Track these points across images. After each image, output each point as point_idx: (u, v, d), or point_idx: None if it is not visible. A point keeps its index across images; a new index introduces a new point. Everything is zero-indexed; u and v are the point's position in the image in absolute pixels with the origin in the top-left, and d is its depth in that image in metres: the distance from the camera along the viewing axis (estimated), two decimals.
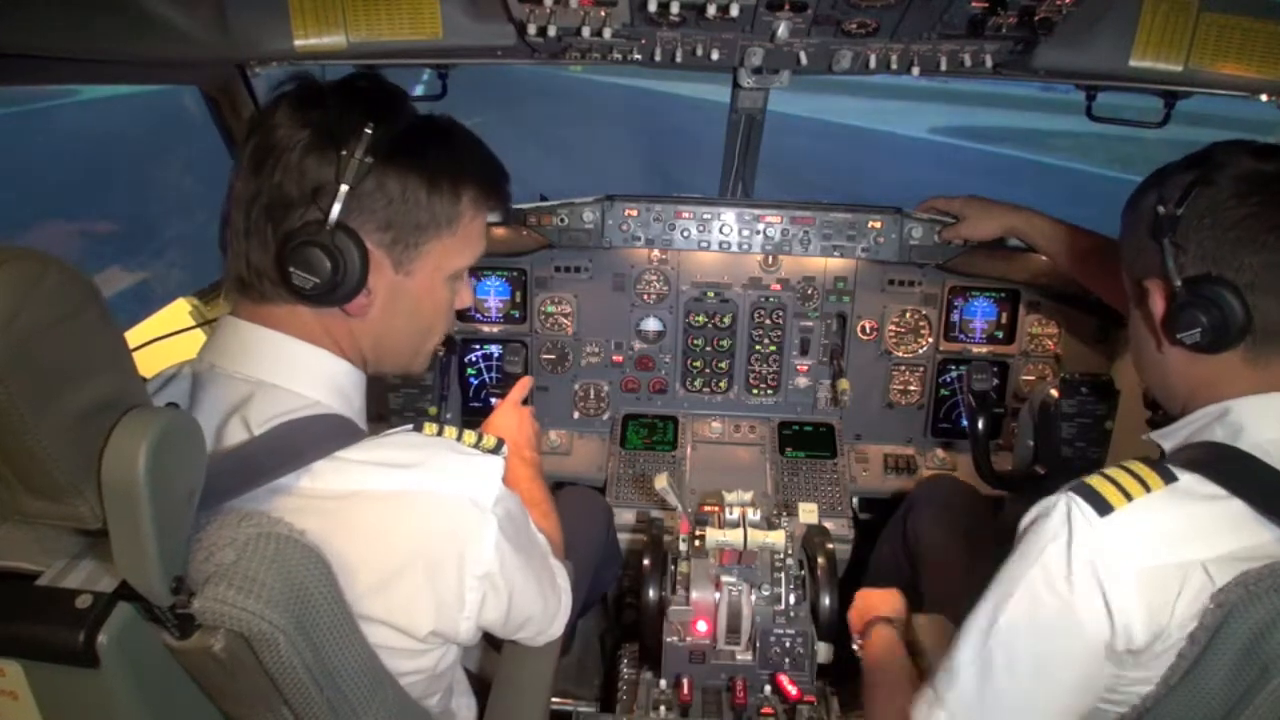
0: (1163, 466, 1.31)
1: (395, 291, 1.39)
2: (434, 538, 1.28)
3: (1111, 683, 1.35)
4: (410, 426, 1.36)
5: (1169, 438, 1.49)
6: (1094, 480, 1.31)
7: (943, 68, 2.18)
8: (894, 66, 2.20)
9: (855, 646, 2.07)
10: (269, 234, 1.30)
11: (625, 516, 2.97)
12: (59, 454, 0.91)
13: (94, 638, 0.98)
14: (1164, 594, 1.25)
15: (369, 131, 1.27)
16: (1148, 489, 1.28)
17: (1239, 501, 1.26)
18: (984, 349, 3.20)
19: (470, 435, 1.38)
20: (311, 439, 1.25)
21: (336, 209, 1.26)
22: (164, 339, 2.12)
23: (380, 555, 1.25)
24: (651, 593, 2.15)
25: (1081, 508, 1.29)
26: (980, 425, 2.60)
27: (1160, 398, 1.59)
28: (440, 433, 1.37)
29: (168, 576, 0.98)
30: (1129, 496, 1.28)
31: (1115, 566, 1.26)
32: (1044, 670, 1.34)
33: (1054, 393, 2.42)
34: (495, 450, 1.37)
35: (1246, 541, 1.25)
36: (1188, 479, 1.30)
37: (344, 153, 1.26)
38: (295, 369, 1.33)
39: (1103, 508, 1.28)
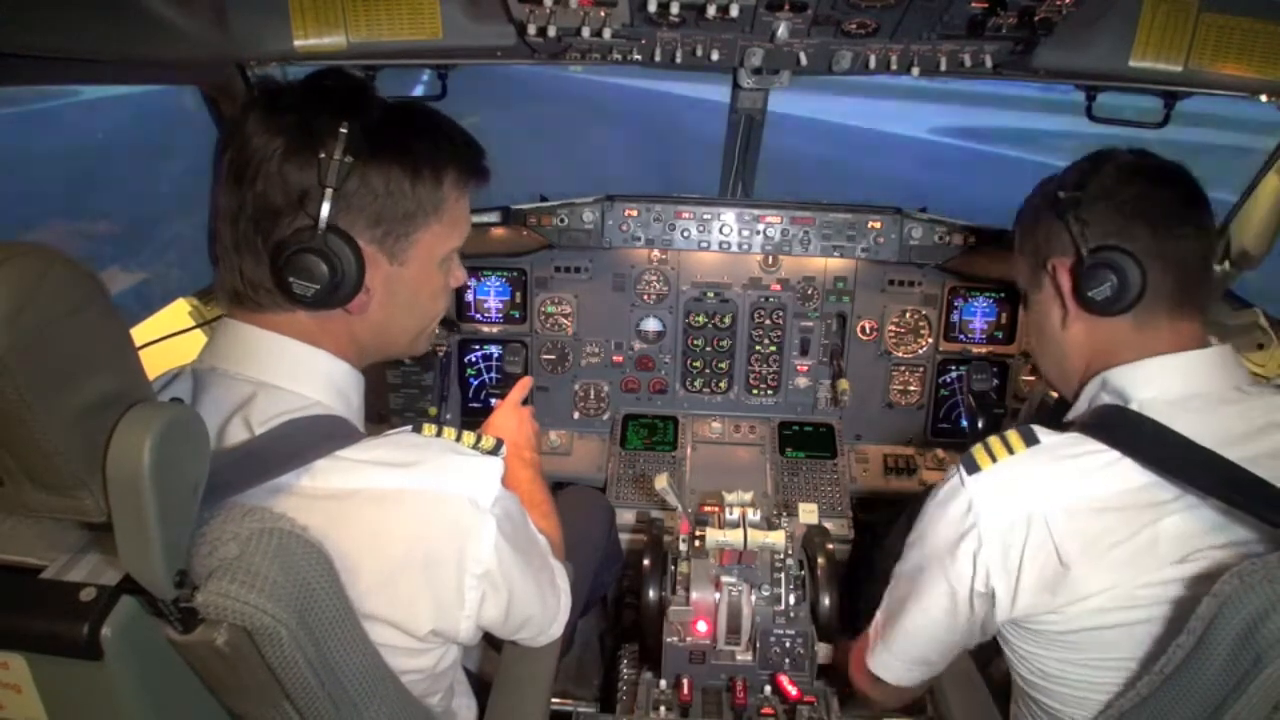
0: (1028, 431, 1.50)
1: (392, 284, 1.39)
2: (433, 537, 1.28)
3: (1017, 650, 1.56)
4: (409, 427, 1.37)
5: (1074, 413, 1.65)
6: (975, 447, 1.52)
7: (942, 68, 2.19)
8: (894, 67, 2.21)
9: None
10: (260, 245, 1.29)
11: (625, 516, 2.97)
12: (64, 448, 0.92)
13: (98, 631, 0.98)
14: (1012, 542, 1.44)
15: (344, 131, 1.25)
16: (1011, 452, 1.48)
17: (1113, 451, 1.42)
18: (984, 349, 3.20)
19: (469, 436, 1.39)
20: (312, 438, 1.25)
21: (325, 212, 1.25)
22: (164, 340, 2.12)
23: (380, 553, 1.25)
24: (651, 593, 2.15)
25: (961, 470, 1.50)
26: (980, 425, 2.60)
27: (1058, 381, 1.77)
28: (439, 433, 1.38)
29: (171, 570, 0.98)
30: (994, 459, 1.48)
31: (978, 518, 1.46)
32: (921, 600, 1.58)
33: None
34: (494, 451, 1.38)
35: (1115, 487, 1.41)
36: (1054, 440, 1.49)
37: (323, 155, 1.25)
38: (296, 370, 1.34)
39: (972, 469, 1.49)
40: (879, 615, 1.74)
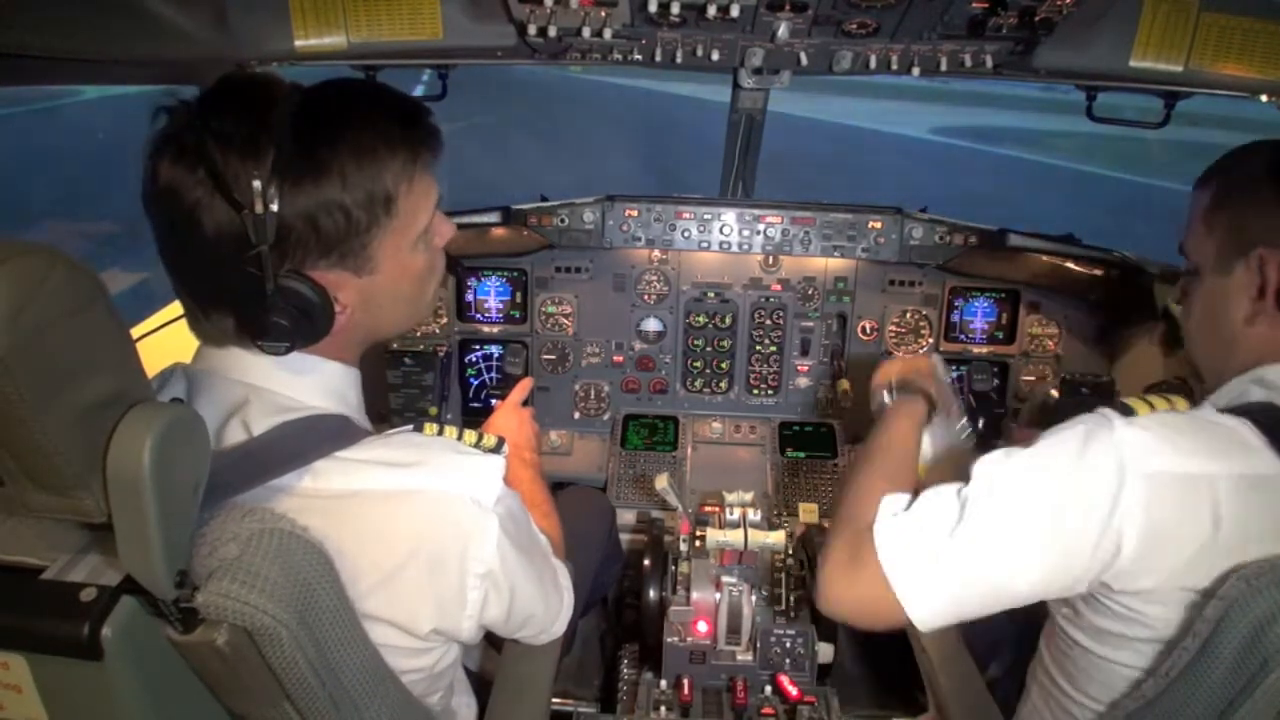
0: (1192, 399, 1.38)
1: (368, 293, 1.32)
2: (435, 536, 1.27)
3: (1109, 620, 1.36)
4: (410, 427, 1.36)
5: (1212, 400, 1.47)
6: (1127, 398, 1.37)
7: (943, 68, 2.19)
8: (894, 67, 2.21)
9: (875, 405, 2.03)
10: (221, 305, 1.25)
11: (626, 517, 2.97)
12: (64, 448, 0.92)
13: (98, 631, 0.98)
14: (1167, 501, 1.25)
15: (257, 178, 1.14)
16: (1173, 406, 1.36)
17: (1269, 450, 1.26)
18: (984, 349, 3.20)
19: (471, 435, 1.38)
20: (312, 439, 1.25)
21: (268, 269, 1.18)
22: (165, 327, 2.12)
23: (381, 554, 1.25)
24: (652, 593, 2.15)
25: (1107, 413, 1.32)
26: (980, 425, 2.60)
27: (1206, 367, 1.56)
28: (440, 433, 1.36)
29: (172, 570, 0.98)
30: (1153, 407, 1.34)
31: (1125, 466, 1.26)
32: (1015, 530, 1.32)
33: (1054, 393, 2.43)
34: (496, 449, 1.37)
35: (1273, 471, 1.25)
36: (1217, 414, 1.33)
37: (245, 210, 1.15)
38: (287, 377, 1.32)
39: (1127, 412, 1.32)
40: (910, 525, 1.40)
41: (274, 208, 1.16)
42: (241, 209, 1.15)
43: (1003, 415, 3.18)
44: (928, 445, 1.98)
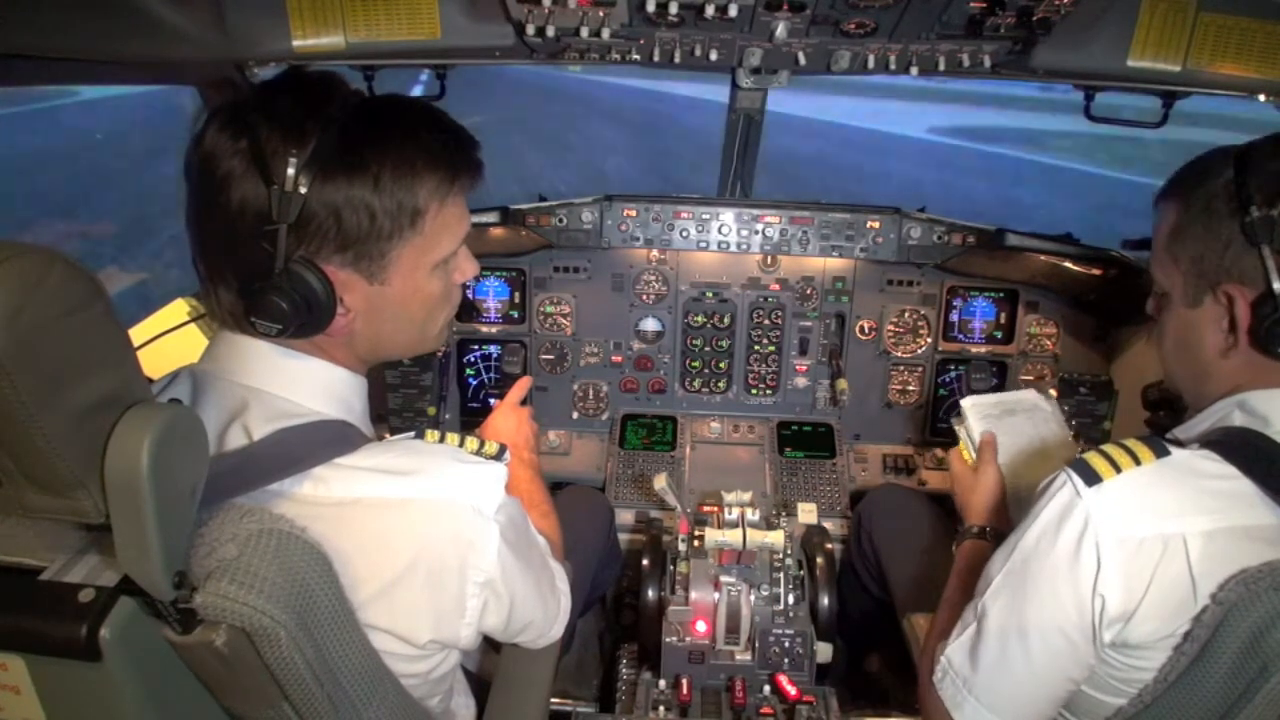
0: (1156, 441, 1.34)
1: (375, 302, 1.32)
2: (436, 545, 1.27)
3: (1107, 670, 1.39)
4: (413, 434, 1.35)
5: (1188, 431, 1.48)
6: (1089, 454, 1.35)
7: (941, 68, 2.19)
8: (892, 66, 2.21)
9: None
10: (230, 277, 1.25)
11: (624, 516, 2.97)
12: (63, 448, 0.92)
13: (96, 632, 0.98)
14: (1142, 565, 1.27)
15: (294, 159, 1.17)
16: (1138, 462, 1.31)
17: (1246, 480, 1.27)
18: (983, 349, 3.21)
19: (472, 442, 1.37)
20: (312, 446, 1.24)
21: (282, 247, 1.18)
22: (164, 335, 2.12)
23: (382, 562, 1.24)
24: (651, 593, 2.15)
25: (1073, 479, 1.34)
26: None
27: (1188, 393, 1.56)
28: (442, 440, 1.36)
29: (170, 571, 0.98)
30: (1118, 469, 1.31)
31: (1099, 536, 1.29)
32: (1029, 638, 1.39)
33: (1053, 393, 2.42)
34: (497, 457, 1.37)
35: (1247, 520, 1.26)
36: (1184, 455, 1.33)
37: (275, 186, 1.17)
38: (290, 380, 1.31)
39: (1091, 479, 1.32)
40: (955, 655, 1.52)
41: (302, 191, 1.18)
42: (271, 185, 1.17)
43: None
44: (1013, 440, 2.12)
